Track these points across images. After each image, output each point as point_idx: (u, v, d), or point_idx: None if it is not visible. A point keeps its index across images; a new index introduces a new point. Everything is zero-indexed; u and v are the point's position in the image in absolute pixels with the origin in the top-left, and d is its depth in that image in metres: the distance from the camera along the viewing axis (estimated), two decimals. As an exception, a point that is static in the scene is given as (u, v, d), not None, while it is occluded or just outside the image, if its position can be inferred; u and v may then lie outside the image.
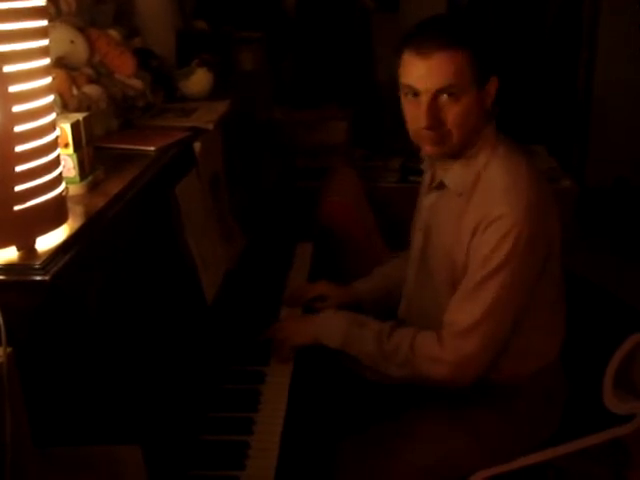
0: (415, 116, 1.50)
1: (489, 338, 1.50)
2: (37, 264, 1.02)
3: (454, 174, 1.56)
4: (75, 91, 1.59)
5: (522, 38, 4.42)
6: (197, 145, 1.71)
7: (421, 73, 1.46)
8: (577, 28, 4.43)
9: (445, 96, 1.47)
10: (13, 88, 0.97)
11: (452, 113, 1.48)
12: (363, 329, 1.60)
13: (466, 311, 1.49)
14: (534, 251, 1.48)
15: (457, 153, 1.55)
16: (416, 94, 1.49)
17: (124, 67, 1.80)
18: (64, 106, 1.52)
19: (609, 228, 4.00)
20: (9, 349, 0.94)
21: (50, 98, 1.05)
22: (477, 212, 1.49)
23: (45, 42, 1.03)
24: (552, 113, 4.45)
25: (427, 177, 1.71)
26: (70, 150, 1.27)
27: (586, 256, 3.29)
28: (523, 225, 1.44)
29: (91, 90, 1.64)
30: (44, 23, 1.03)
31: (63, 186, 1.11)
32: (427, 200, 1.67)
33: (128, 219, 1.31)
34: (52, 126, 1.07)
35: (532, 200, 1.46)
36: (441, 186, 1.61)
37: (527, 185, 1.48)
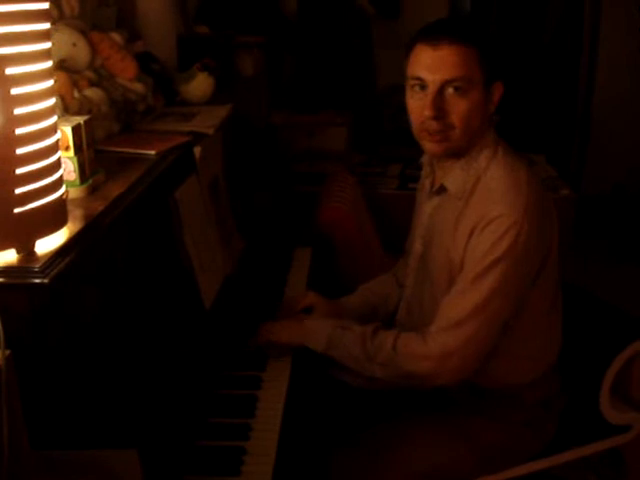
0: (420, 108, 1.50)
1: (473, 335, 1.49)
2: (36, 267, 1.02)
3: (455, 177, 1.56)
4: (76, 94, 1.59)
5: (523, 46, 4.43)
6: (197, 150, 1.71)
7: (431, 63, 1.48)
8: (577, 37, 4.44)
9: (452, 89, 1.47)
10: (15, 90, 0.97)
11: (457, 107, 1.48)
12: (346, 331, 1.60)
13: (456, 307, 1.49)
14: (529, 253, 1.47)
15: (459, 152, 1.55)
16: (423, 87, 1.50)
17: (126, 71, 1.80)
18: (65, 109, 1.52)
19: (607, 235, 4.00)
20: (7, 352, 0.94)
21: (52, 101, 1.05)
22: (475, 214, 1.50)
23: (47, 45, 1.03)
24: (552, 122, 4.46)
25: (427, 183, 1.71)
26: (71, 153, 1.27)
27: (584, 263, 3.29)
28: (522, 225, 1.44)
29: (92, 93, 1.65)
30: (47, 26, 1.03)
31: (63, 189, 1.11)
32: (428, 206, 1.67)
33: (128, 223, 1.31)
34: (53, 129, 1.07)
35: (531, 202, 1.46)
36: (442, 190, 1.60)
37: (526, 188, 1.48)
